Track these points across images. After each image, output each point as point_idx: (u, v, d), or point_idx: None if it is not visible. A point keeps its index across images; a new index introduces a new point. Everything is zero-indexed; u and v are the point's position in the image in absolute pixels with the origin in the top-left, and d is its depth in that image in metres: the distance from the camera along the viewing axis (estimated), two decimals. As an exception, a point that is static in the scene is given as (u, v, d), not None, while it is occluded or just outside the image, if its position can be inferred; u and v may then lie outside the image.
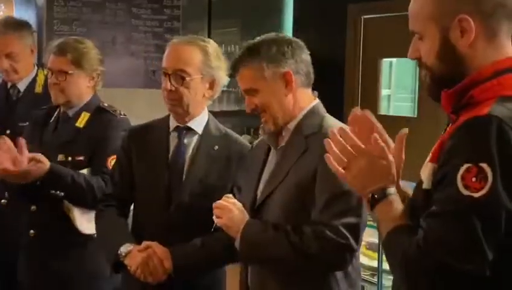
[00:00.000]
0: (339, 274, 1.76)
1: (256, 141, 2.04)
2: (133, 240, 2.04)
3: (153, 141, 2.12)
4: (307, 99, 1.84)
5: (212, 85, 2.08)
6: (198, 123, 2.11)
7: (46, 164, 2.26)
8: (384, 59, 4.51)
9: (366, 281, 2.56)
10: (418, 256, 1.18)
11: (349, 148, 1.33)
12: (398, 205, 1.31)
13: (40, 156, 2.27)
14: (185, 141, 2.10)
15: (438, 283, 1.18)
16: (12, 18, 3.03)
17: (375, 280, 2.50)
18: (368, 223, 2.71)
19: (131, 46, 4.70)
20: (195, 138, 2.10)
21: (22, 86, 2.90)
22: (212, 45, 2.09)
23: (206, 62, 2.05)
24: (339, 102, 4.47)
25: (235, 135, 2.19)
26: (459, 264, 1.15)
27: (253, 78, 1.79)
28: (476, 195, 1.15)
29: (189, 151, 2.09)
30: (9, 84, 2.92)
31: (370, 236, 2.81)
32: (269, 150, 1.90)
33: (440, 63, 1.30)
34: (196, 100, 2.07)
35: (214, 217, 1.81)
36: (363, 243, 2.85)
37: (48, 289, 2.44)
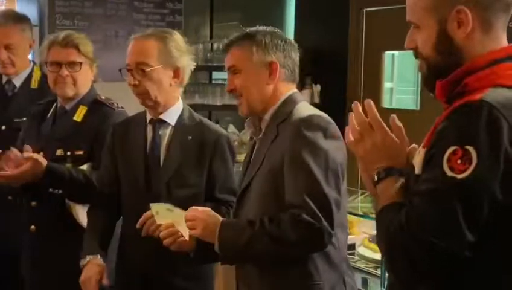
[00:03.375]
0: (318, 257, 1.78)
1: (245, 132, 2.09)
2: (99, 249, 2.10)
3: (132, 135, 2.19)
4: (287, 91, 1.88)
5: (177, 73, 2.13)
6: (171, 115, 2.15)
7: (43, 163, 2.27)
8: (387, 52, 4.50)
9: (369, 273, 2.57)
10: (399, 233, 1.21)
11: (367, 121, 1.35)
12: (400, 186, 1.33)
13: (37, 156, 2.28)
14: (160, 133, 2.15)
15: (417, 261, 1.20)
16: (13, 11, 3.05)
17: (378, 272, 2.51)
18: (371, 215, 2.72)
19: (133, 40, 4.71)
20: (169, 130, 2.15)
21: (17, 81, 2.88)
22: (172, 35, 2.15)
23: (165, 51, 2.10)
24: (342, 95, 4.46)
25: (209, 123, 2.24)
26: (438, 243, 1.17)
27: (240, 57, 1.86)
28: (460, 177, 1.17)
29: (164, 142, 2.14)
30: (4, 80, 2.90)
31: (373, 229, 2.82)
32: (255, 143, 1.95)
33: (436, 53, 1.32)
34: (163, 90, 2.12)
35: (187, 230, 1.82)
36: (365, 235, 2.86)
37: (48, 284, 2.45)
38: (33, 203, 2.44)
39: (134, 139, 2.18)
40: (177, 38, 2.15)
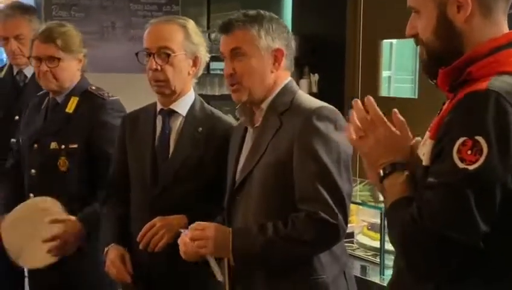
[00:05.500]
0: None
1: (237, 123, 2.03)
2: (117, 238, 2.08)
3: (142, 125, 2.14)
4: (283, 80, 1.84)
5: (195, 62, 2.09)
6: (182, 105, 2.10)
7: (70, 218, 2.26)
8: (385, 40, 4.50)
9: (368, 261, 2.58)
10: (413, 228, 1.21)
11: (368, 117, 1.35)
12: (406, 179, 1.32)
13: (68, 218, 2.26)
14: (170, 124, 2.10)
15: (432, 255, 1.20)
16: (19, 2, 3.11)
17: (377, 260, 2.52)
18: (369, 203, 2.73)
19: (130, 31, 4.69)
20: (179, 121, 2.10)
21: (28, 71, 2.90)
22: (190, 23, 2.11)
23: (188, 38, 2.06)
24: (340, 84, 4.46)
25: (220, 114, 2.18)
26: (452, 235, 1.17)
27: (247, 40, 1.77)
28: (471, 168, 1.16)
29: (174, 134, 2.09)
30: (15, 70, 2.93)
31: (372, 217, 2.83)
32: (245, 131, 1.90)
33: (436, 38, 1.31)
34: (182, 78, 2.07)
35: (197, 250, 1.76)
36: (364, 223, 2.87)
37: (47, 276, 2.45)
38: (31, 195, 2.45)
39: (143, 130, 2.13)
40: (195, 27, 2.11)
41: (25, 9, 2.91)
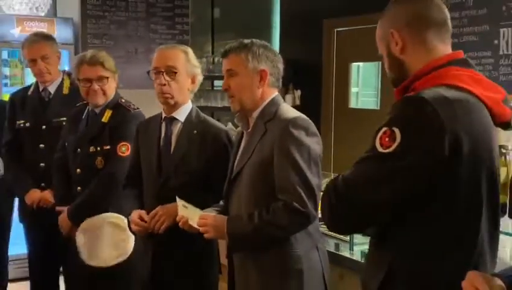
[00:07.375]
0: None
1: (228, 128, 2.10)
2: (137, 209, 2.14)
3: (151, 130, 2.22)
4: (271, 94, 1.88)
5: (193, 80, 2.15)
6: (181, 113, 2.16)
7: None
8: (353, 63, 4.51)
9: (340, 239, 2.57)
10: (332, 181, 1.29)
11: None
12: None
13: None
14: (172, 128, 2.16)
15: (333, 204, 1.26)
16: (41, 31, 3.14)
17: (347, 238, 2.51)
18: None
19: (150, 55, 4.69)
20: (178, 125, 2.16)
21: (52, 88, 2.91)
22: (190, 50, 2.18)
23: (188, 61, 2.13)
24: (317, 98, 4.47)
25: (212, 120, 2.25)
26: (352, 196, 1.24)
27: (238, 63, 1.84)
28: (384, 151, 1.20)
29: (175, 136, 2.15)
30: (41, 88, 2.93)
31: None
32: (243, 135, 1.95)
33: (390, 69, 1.38)
34: (183, 93, 2.13)
35: (202, 232, 1.83)
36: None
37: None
38: (78, 170, 2.49)
39: (151, 134, 2.20)
40: (193, 53, 2.18)
41: (45, 36, 2.92)
